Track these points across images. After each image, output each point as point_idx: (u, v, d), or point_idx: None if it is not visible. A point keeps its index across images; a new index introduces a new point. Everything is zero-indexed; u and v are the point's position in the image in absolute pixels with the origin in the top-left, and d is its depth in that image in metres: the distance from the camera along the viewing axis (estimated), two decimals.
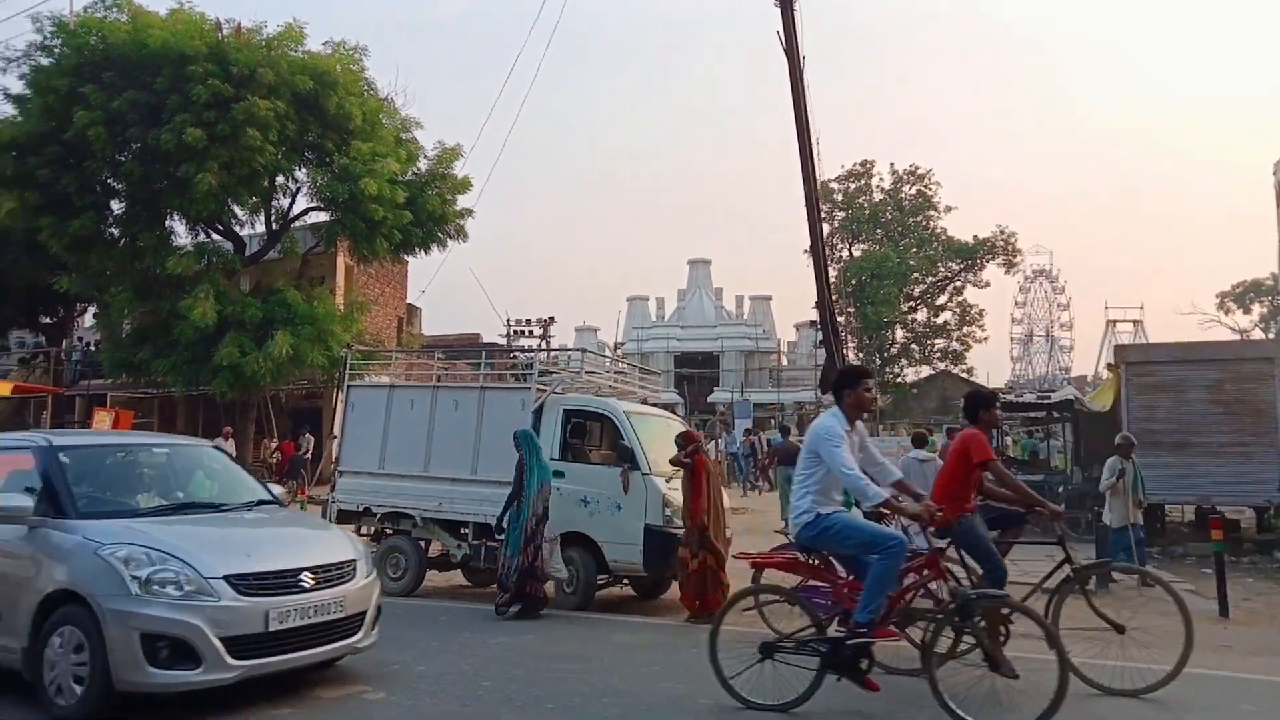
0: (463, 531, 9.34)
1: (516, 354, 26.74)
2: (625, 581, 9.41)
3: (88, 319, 28.51)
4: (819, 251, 9.92)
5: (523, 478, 8.29)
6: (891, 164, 44.52)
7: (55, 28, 18.41)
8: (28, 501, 5.26)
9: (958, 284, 44.74)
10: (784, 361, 47.77)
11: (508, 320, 36.95)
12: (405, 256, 23.49)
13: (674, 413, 12.90)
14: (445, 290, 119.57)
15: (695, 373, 44.98)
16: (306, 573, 5.31)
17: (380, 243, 20.35)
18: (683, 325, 47.56)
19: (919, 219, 44.66)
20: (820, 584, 5.51)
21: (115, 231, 19.65)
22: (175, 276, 18.89)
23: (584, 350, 11.26)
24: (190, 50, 17.85)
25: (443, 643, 7.14)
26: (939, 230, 44.40)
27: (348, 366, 10.57)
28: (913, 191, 45.00)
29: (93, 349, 27.30)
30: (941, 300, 44.85)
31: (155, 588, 4.81)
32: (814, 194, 10.14)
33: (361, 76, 20.48)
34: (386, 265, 24.94)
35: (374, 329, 24.00)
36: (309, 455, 21.83)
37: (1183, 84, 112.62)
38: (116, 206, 19.69)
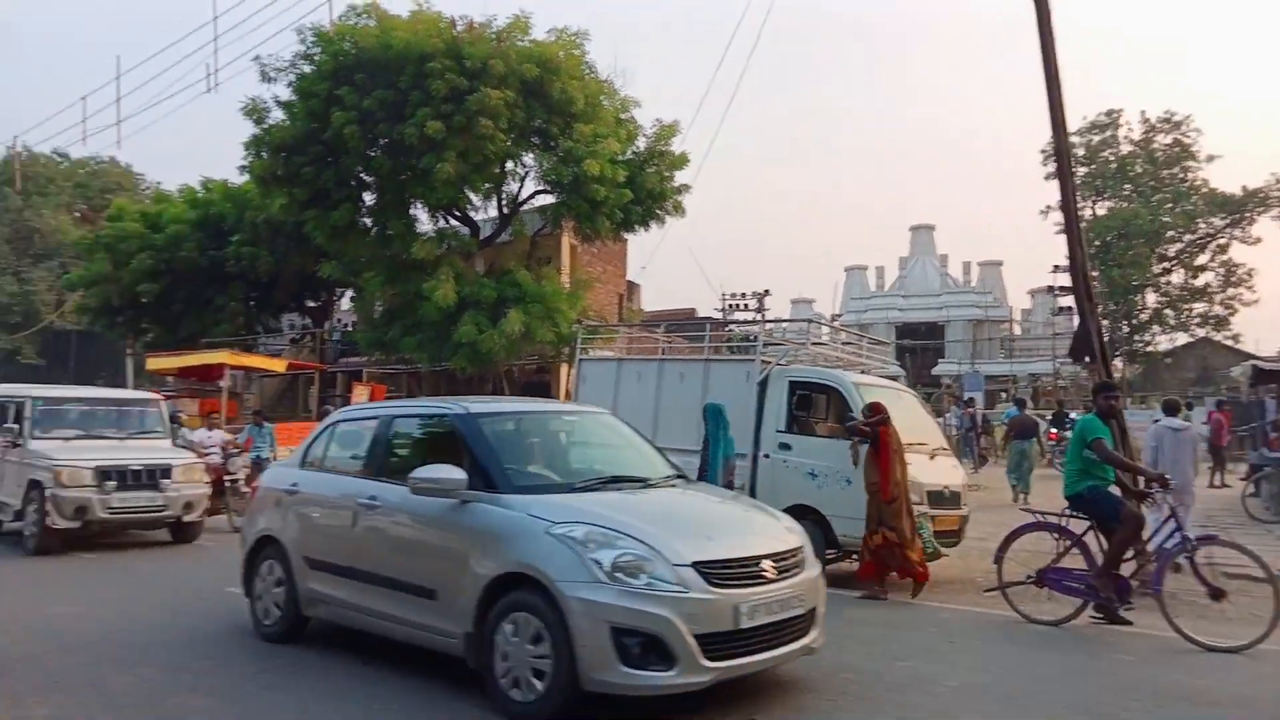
0: None
1: (733, 328, 26.77)
2: (854, 556, 9.20)
3: (344, 302, 31.41)
4: (1070, 207, 9.12)
5: (708, 451, 8.39)
6: (1142, 112, 40.44)
7: (315, 37, 20.21)
8: (461, 474, 4.95)
9: (1221, 241, 40.11)
10: (1017, 330, 44.83)
11: (723, 295, 37.03)
12: (625, 234, 24.01)
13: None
14: (661, 267, 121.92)
15: (918, 344, 43.14)
16: (767, 560, 4.72)
17: (602, 222, 20.92)
18: (905, 295, 45.71)
19: (1174, 171, 40.38)
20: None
21: (368, 221, 21.41)
22: (420, 261, 20.32)
23: (810, 320, 11.03)
24: (429, 48, 19.03)
25: None
26: (1199, 183, 39.94)
27: (578, 341, 10.94)
28: (1168, 141, 40.70)
29: (350, 329, 30.07)
30: (1202, 260, 40.37)
31: (620, 575, 4.30)
32: (1064, 146, 9.32)
33: (583, 60, 21.05)
34: (607, 244, 25.61)
35: (596, 306, 24.77)
36: None
37: None
38: (369, 198, 21.44)
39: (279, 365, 23.93)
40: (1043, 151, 43.40)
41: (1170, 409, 9.30)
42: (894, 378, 12.26)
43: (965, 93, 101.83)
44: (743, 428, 8.80)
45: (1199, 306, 40.45)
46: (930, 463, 8.78)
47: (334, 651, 6.03)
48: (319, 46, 20.13)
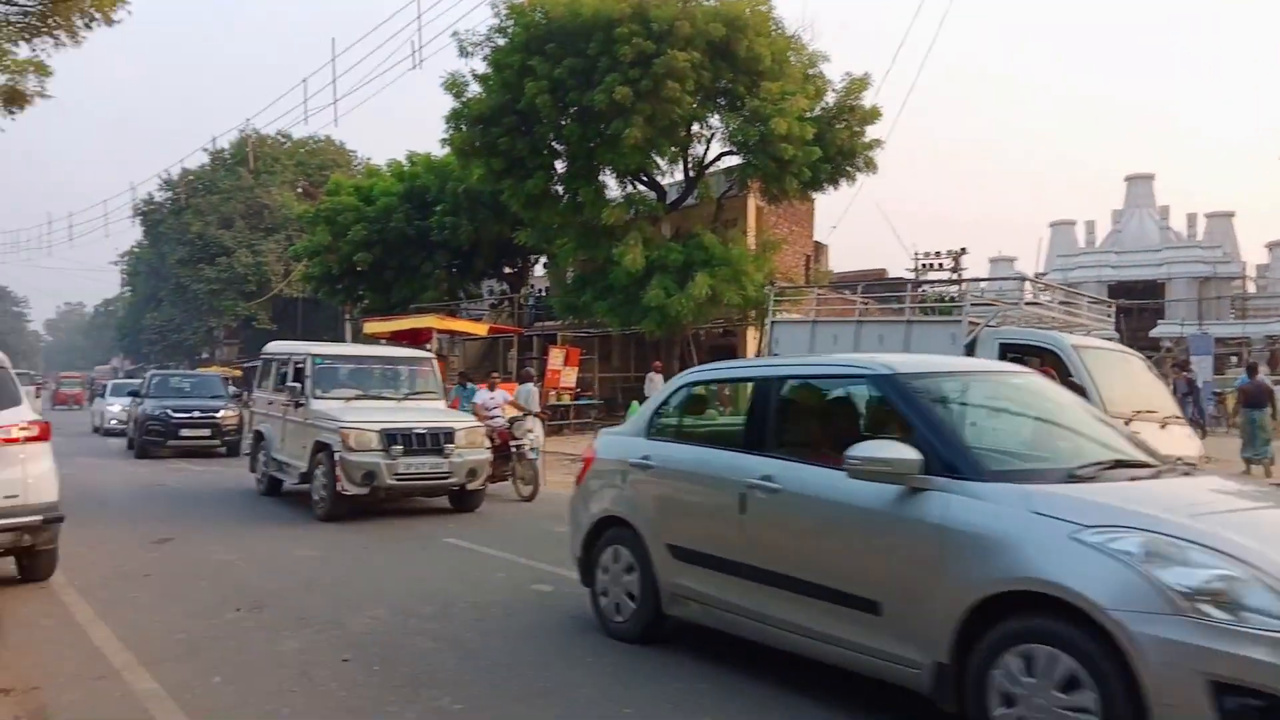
0: None
1: (926, 288, 25.66)
2: None
3: (538, 268, 32.57)
4: None
5: None
6: None
7: (509, 10, 20.83)
8: (915, 454, 3.82)
9: None
10: (1251, 289, 40.43)
11: (915, 254, 35.52)
12: (813, 194, 23.49)
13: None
14: (849, 227, 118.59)
15: (1134, 304, 39.79)
16: None
17: (790, 181, 20.56)
18: (1118, 250, 42.10)
19: None
20: None
21: (560, 189, 22.01)
22: (609, 226, 20.71)
23: (1023, 278, 10.35)
24: (616, 14, 19.18)
25: None
26: None
27: (770, 304, 10.81)
28: None
29: (544, 294, 31.17)
30: None
31: (1207, 605, 3.01)
32: None
33: (769, 17, 20.62)
34: (794, 204, 25.16)
35: (783, 267, 24.42)
36: None
37: None
38: (560, 166, 22.01)
39: (481, 329, 25.16)
40: None
41: None
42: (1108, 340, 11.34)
43: (1190, 29, 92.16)
44: None
45: None
46: (1161, 432, 8.05)
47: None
48: (512, 19, 20.74)
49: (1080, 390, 7.72)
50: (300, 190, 47.43)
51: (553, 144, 21.43)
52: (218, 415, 19.12)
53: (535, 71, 19.72)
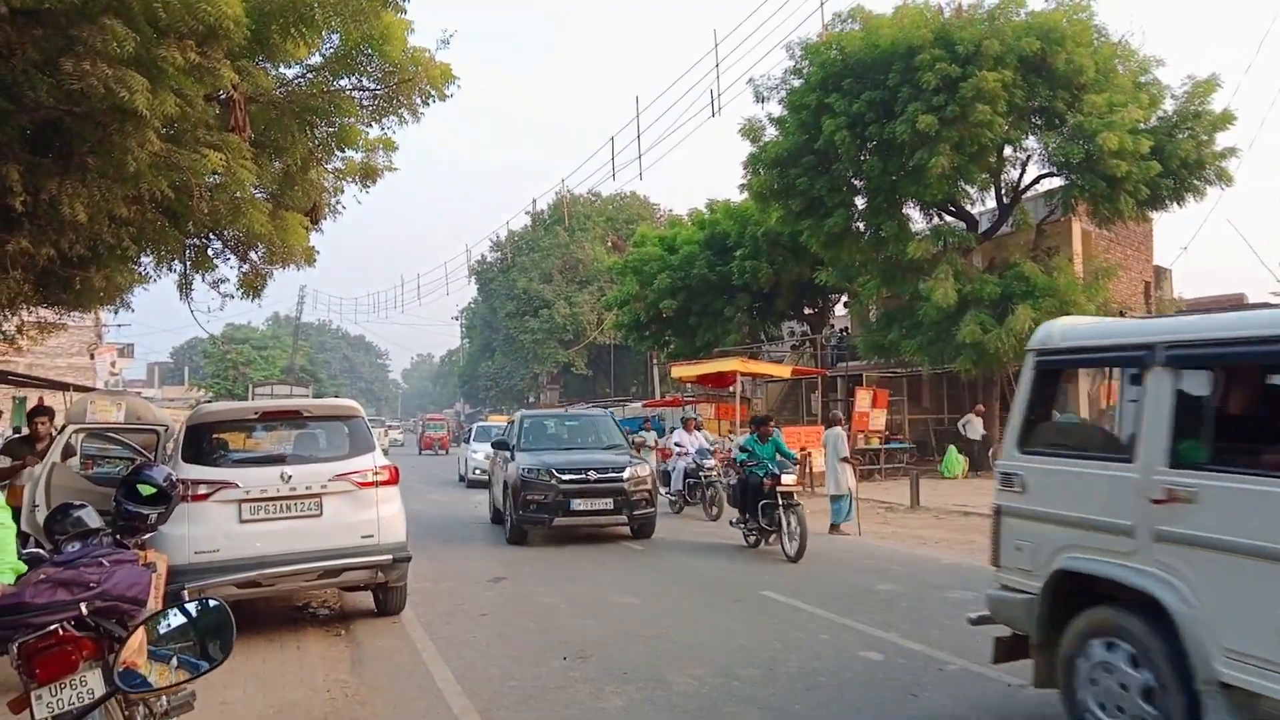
0: None
1: None
2: None
3: (839, 308, 31.89)
4: None
5: None
6: None
7: (803, 51, 20.72)
8: None
9: None
10: None
11: None
12: (1151, 213, 20.95)
13: None
14: (1197, 247, 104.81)
15: None
16: None
17: (1124, 200, 18.54)
18: None
19: None
20: None
21: (861, 225, 21.36)
22: (915, 261, 19.74)
23: None
24: (916, 41, 18.40)
25: None
26: None
27: None
28: None
29: (845, 334, 30.42)
30: None
31: None
32: None
33: (1090, 25, 18.84)
34: (1128, 226, 22.59)
35: (1119, 296, 21.91)
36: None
37: None
38: (860, 202, 21.40)
39: (784, 371, 24.98)
40: None
41: None
42: None
43: None
44: None
45: None
46: None
47: None
48: (807, 59, 20.58)
49: None
50: (609, 244, 50.50)
51: (852, 180, 20.89)
52: (623, 477, 12.30)
53: (833, 109, 19.37)
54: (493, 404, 64.31)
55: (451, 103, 9.97)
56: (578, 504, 12.00)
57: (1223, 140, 18.91)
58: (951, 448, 20.77)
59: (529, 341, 55.14)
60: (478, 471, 21.68)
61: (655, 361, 37.80)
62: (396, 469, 7.67)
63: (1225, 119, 18.77)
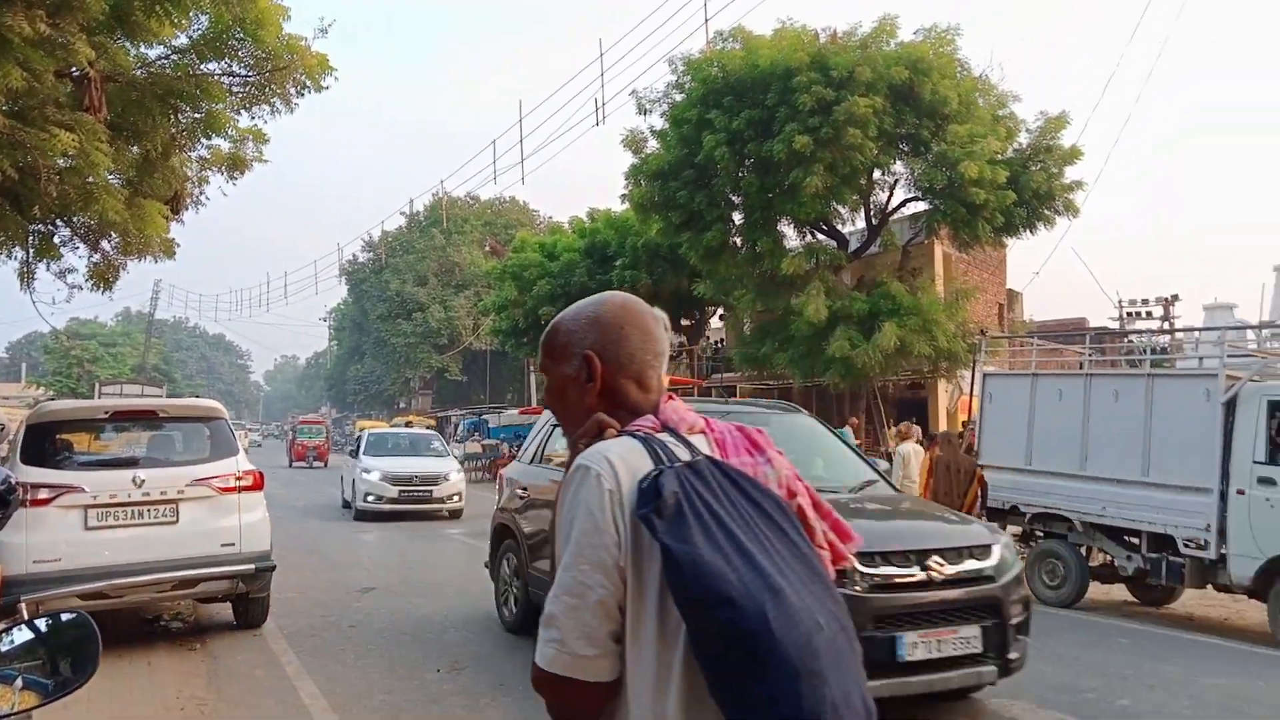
0: (1132, 541, 8.16)
1: (1132, 339, 23.63)
2: None
3: (715, 320, 32.47)
4: None
5: None
6: None
7: (685, 66, 21.04)
8: None
9: None
10: None
11: (1119, 301, 33.05)
12: (1006, 240, 22.24)
13: None
14: (1046, 273, 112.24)
15: None
16: None
17: (982, 227, 19.52)
18: None
19: None
20: None
21: (738, 240, 21.81)
22: (789, 277, 20.27)
23: None
24: (794, 63, 18.94)
25: (1138, 673, 6.22)
26: None
27: (981, 353, 10.06)
28: None
29: (721, 346, 31.00)
30: None
31: None
32: None
33: (954, 58, 19.85)
34: (985, 251, 23.90)
35: (975, 316, 23.14)
36: None
37: None
38: (738, 217, 21.85)
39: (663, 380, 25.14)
40: None
41: None
42: None
43: None
44: (1200, 456, 7.39)
45: None
46: None
47: None
48: (689, 74, 20.91)
49: None
50: (488, 248, 49.87)
51: (730, 196, 21.30)
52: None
53: (713, 125, 19.73)
54: (361, 409, 62.28)
55: (328, 95, 9.64)
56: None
57: (1071, 174, 20.19)
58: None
59: (401, 345, 53.74)
60: (371, 499, 16.83)
61: (532, 369, 37.53)
62: (261, 474, 7.30)
63: (1074, 154, 20.04)
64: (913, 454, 11.41)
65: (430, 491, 17.14)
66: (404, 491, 16.91)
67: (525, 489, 7.40)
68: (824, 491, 4.79)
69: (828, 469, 6.25)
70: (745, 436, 1.56)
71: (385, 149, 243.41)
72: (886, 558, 4.61)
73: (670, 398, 1.58)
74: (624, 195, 22.92)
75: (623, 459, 1.37)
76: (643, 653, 1.31)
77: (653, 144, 21.92)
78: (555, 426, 5.92)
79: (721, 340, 31.82)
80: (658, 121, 21.74)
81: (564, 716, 1.41)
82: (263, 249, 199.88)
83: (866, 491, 5.98)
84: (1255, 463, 7.16)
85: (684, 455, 1.41)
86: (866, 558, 4.50)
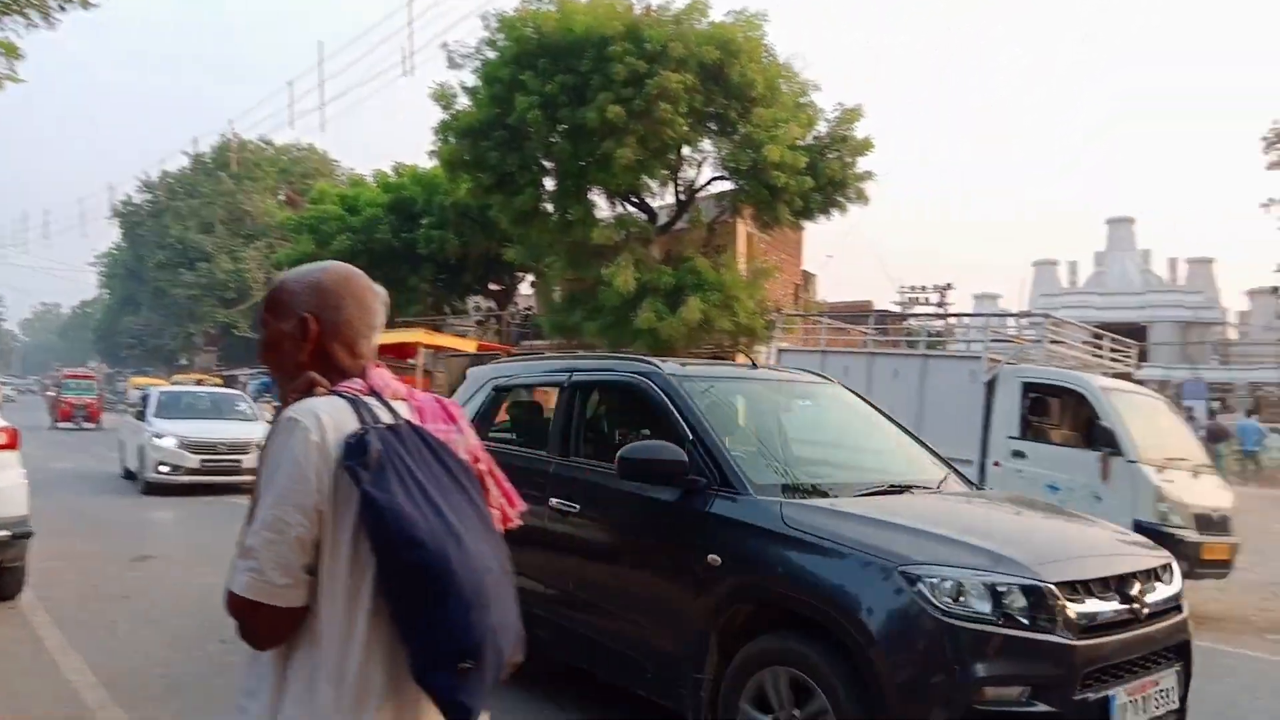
0: None
1: (911, 321, 25.61)
2: None
3: (525, 286, 32.24)
4: None
5: None
6: None
7: (499, 23, 20.59)
8: None
9: None
10: (1232, 335, 40.87)
11: (901, 288, 35.67)
12: (804, 223, 23.42)
13: None
14: (836, 257, 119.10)
15: (1123, 348, 40.03)
16: None
17: (782, 209, 20.38)
18: (1101, 292, 42.44)
19: None
20: None
21: (550, 206, 21.70)
22: (599, 246, 20.44)
23: (1045, 315, 10.19)
24: (609, 32, 18.98)
25: None
26: None
27: (778, 330, 10.61)
28: None
29: (530, 312, 30.85)
30: None
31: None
32: None
33: (762, 43, 20.55)
34: (784, 232, 25.05)
35: (773, 295, 24.28)
36: None
37: None
38: (549, 183, 21.73)
39: (469, 345, 24.76)
40: (1264, 139, 39.30)
41: None
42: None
43: (1163, 79, 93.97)
44: (966, 431, 8.18)
45: None
46: (1194, 481, 7.74)
47: None
48: (503, 32, 20.48)
49: (1109, 434, 7.49)
50: (283, 197, 46.89)
51: (543, 161, 21.13)
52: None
53: (526, 86, 19.46)
54: (136, 364, 57.20)
55: (101, 13, 8.69)
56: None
57: (863, 164, 21.45)
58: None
59: (183, 297, 49.64)
60: (165, 469, 14.54)
61: None
62: (16, 430, 6.60)
63: (866, 145, 21.28)
64: None
65: (239, 461, 14.73)
66: (207, 461, 14.70)
67: None
68: (915, 487, 4.44)
69: (891, 456, 4.96)
70: (442, 407, 1.79)
71: (168, 81, 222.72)
72: (1088, 588, 3.41)
73: (378, 365, 1.79)
74: (433, 151, 22.19)
75: (330, 415, 1.56)
76: (336, 583, 1.52)
77: (464, 100, 21.30)
78: (497, 390, 5.69)
79: (531, 308, 31.66)
80: (469, 78, 21.18)
81: (255, 637, 1.57)
82: (20, 183, 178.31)
83: (962, 488, 4.74)
84: (1009, 437, 8.02)
85: (386, 418, 1.62)
86: (1069, 590, 3.31)
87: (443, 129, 21.29)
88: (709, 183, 22.55)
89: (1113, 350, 10.06)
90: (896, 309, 31.39)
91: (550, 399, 5.50)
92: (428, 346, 22.62)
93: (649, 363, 4.74)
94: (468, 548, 1.49)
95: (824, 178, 20.60)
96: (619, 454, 4.07)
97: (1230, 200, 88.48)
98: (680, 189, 22.71)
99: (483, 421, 5.47)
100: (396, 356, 23.90)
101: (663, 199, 23.27)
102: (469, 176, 21.59)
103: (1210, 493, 7.79)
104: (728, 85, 19.64)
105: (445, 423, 1.75)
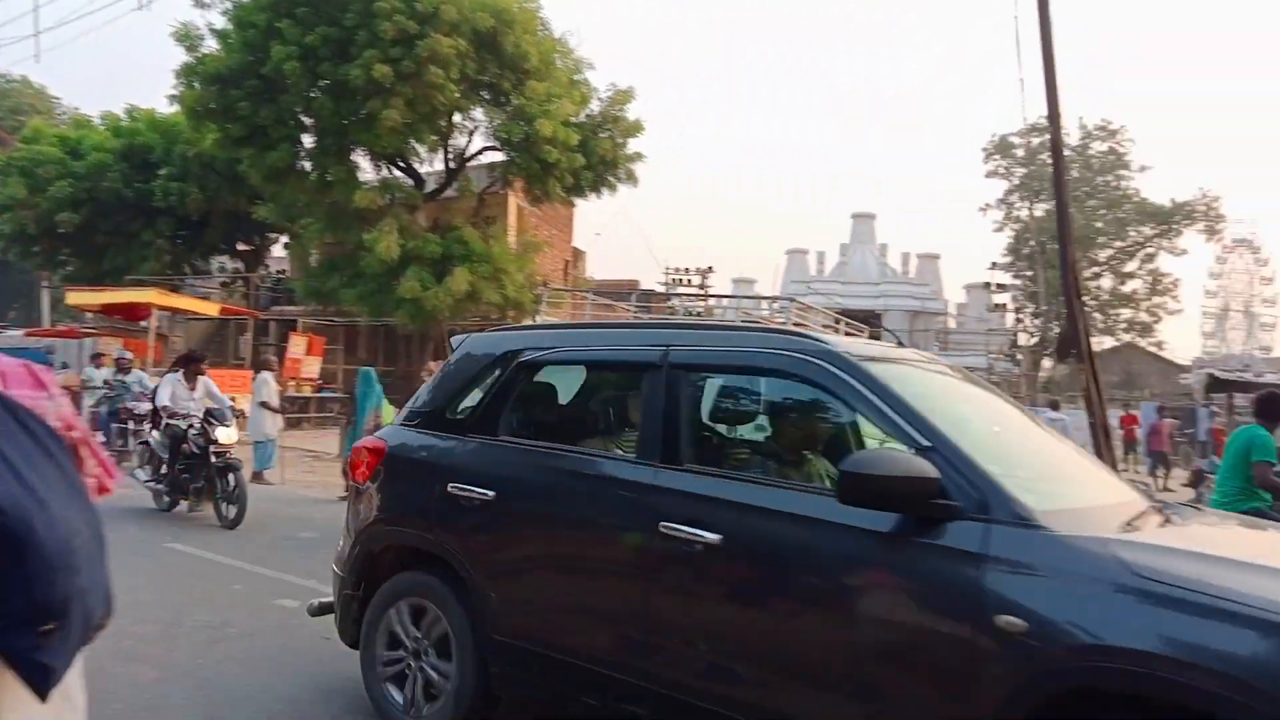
0: None
1: (675, 301, 26.57)
2: None
3: (278, 248, 30.20)
4: (1063, 202, 9.03)
5: (355, 407, 10.30)
6: (1080, 118, 41.37)
7: None
8: None
9: (1150, 250, 41.48)
10: (952, 324, 45.69)
11: (666, 269, 36.81)
12: (575, 199, 23.58)
13: None
14: (603, 235, 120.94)
15: (857, 332, 43.64)
16: None
17: (553, 184, 20.47)
18: (844, 281, 46.01)
19: (1109, 179, 41.48)
20: None
21: (308, 165, 20.46)
22: (361, 210, 19.53)
23: (790, 299, 10.78)
24: None
25: None
26: (1130, 191, 41.15)
27: (543, 304, 10.57)
28: (1103, 149, 41.76)
29: (283, 276, 28.91)
30: (1130, 267, 41.71)
31: None
32: (1059, 140, 9.28)
33: (537, 16, 20.44)
34: (555, 208, 25.12)
35: (543, 270, 24.29)
36: None
37: None
38: (308, 140, 20.47)
39: (211, 309, 22.85)
40: (984, 150, 44.18)
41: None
42: None
43: (903, 90, 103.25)
44: None
45: (1126, 312, 41.90)
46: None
47: None
48: None
49: None
50: None
51: (301, 116, 19.88)
52: None
53: (284, 35, 18.21)
54: None
55: None
56: None
57: (633, 145, 21.91)
58: (386, 400, 21.01)
59: None
60: None
61: (46, 284, 31.86)
62: None
63: (636, 127, 21.75)
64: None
65: None
66: None
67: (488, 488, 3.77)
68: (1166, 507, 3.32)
69: (1063, 461, 3.76)
70: (31, 374, 1.76)
71: None
72: None
73: None
74: (174, 96, 20.27)
75: None
76: None
77: (212, 43, 19.63)
78: (522, 366, 4.00)
79: (284, 271, 29.72)
80: (219, 20, 19.57)
81: None
82: None
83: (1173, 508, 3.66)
84: None
85: None
86: None
87: (186, 72, 19.50)
88: (480, 152, 22.25)
89: (847, 334, 10.87)
90: (661, 289, 32.35)
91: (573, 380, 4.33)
92: (162, 308, 20.67)
93: (809, 338, 3.41)
94: (54, 513, 1.44)
95: (595, 156, 20.87)
96: (843, 467, 2.81)
97: (956, 202, 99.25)
98: (450, 157, 22.19)
99: (494, 409, 3.98)
100: (127, 318, 21.75)
101: (431, 165, 22.72)
102: (216, 127, 19.96)
103: None
104: (501, 55, 19.37)
105: (34, 389, 1.73)
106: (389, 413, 10.39)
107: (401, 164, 21.84)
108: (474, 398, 4.10)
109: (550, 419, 4.28)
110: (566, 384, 4.36)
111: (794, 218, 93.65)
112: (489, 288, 19.46)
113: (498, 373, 4.03)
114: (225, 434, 9.12)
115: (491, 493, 3.71)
